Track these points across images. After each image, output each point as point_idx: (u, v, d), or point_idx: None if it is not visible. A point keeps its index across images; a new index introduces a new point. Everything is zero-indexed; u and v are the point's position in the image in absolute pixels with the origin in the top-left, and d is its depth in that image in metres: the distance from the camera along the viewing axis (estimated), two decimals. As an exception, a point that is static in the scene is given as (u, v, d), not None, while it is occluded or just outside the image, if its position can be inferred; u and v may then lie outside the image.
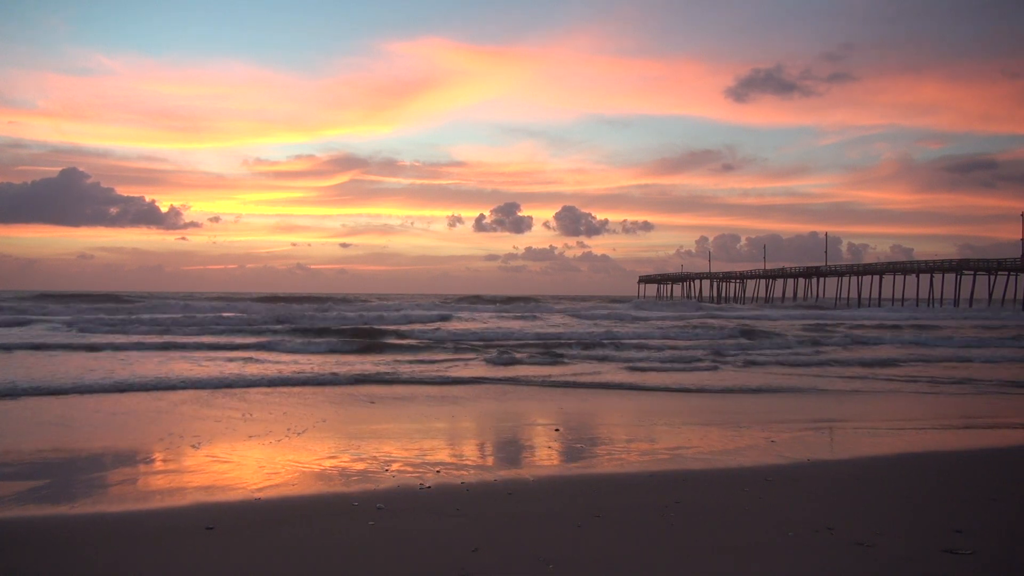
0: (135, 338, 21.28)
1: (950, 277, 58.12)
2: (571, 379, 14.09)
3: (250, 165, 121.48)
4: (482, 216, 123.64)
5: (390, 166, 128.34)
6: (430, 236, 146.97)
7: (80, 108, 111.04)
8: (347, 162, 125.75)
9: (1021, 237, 63.51)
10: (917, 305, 59.02)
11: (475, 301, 60.30)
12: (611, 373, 15.12)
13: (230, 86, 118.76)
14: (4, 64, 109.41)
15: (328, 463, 6.97)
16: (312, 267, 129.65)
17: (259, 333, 23.40)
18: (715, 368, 16.28)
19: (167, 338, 21.53)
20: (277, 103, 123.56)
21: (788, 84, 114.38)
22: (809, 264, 73.40)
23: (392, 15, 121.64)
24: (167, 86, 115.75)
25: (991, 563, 4.33)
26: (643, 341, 22.87)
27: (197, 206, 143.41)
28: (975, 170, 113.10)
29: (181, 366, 15.44)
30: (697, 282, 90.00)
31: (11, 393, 11.18)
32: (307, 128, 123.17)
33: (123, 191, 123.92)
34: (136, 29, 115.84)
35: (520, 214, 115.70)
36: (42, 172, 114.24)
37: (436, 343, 21.76)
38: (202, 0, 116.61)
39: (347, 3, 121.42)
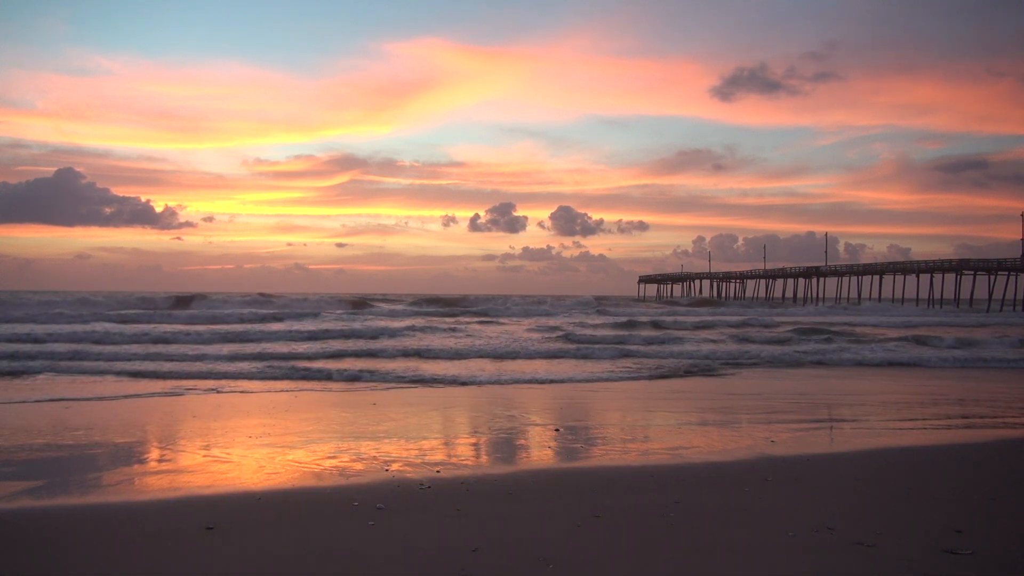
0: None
1: (950, 277, 58.12)
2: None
3: (250, 165, 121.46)
4: (477, 216, 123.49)
5: (389, 166, 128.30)
6: (429, 236, 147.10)
7: (79, 108, 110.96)
8: (346, 162, 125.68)
9: (1021, 237, 63.52)
10: (917, 305, 59.00)
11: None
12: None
13: (229, 86, 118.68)
14: (3, 64, 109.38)
15: (328, 463, 6.97)
16: (311, 267, 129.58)
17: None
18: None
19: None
20: (277, 103, 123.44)
21: (789, 85, 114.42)
22: (807, 264, 73.45)
23: (391, 15, 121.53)
24: (166, 86, 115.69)
25: (991, 563, 4.33)
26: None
27: (198, 206, 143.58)
28: (973, 170, 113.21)
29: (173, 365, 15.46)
30: (697, 282, 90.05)
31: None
32: (306, 128, 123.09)
33: (124, 192, 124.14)
34: (135, 30, 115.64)
35: (516, 214, 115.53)
36: (41, 172, 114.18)
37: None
38: (201, 0, 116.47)
39: (346, 4, 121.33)
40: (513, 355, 18.74)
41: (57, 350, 17.36)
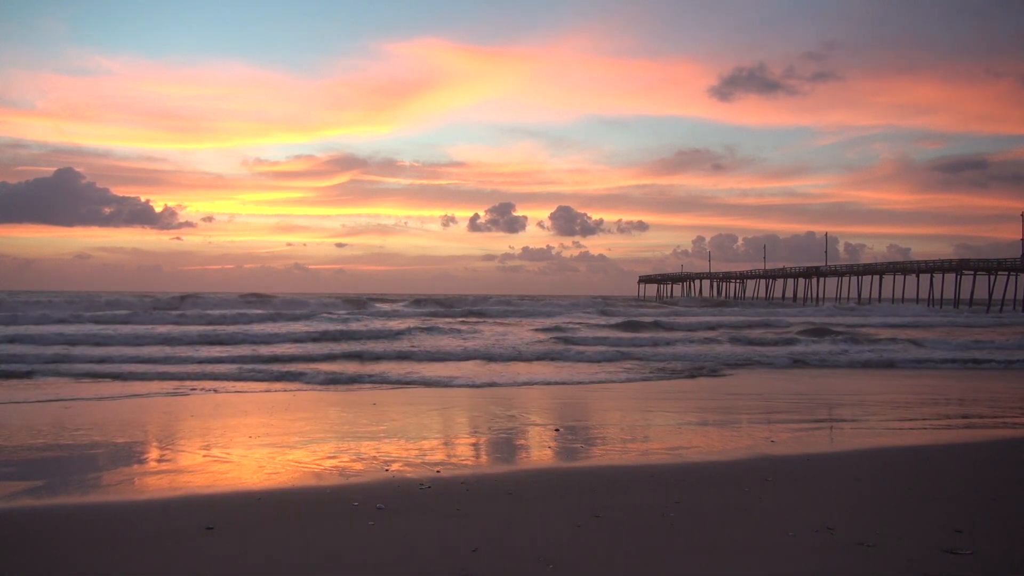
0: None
1: (950, 277, 58.09)
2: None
3: (250, 165, 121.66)
4: (476, 216, 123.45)
5: (389, 166, 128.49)
6: (429, 236, 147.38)
7: (79, 108, 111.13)
8: (346, 162, 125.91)
9: (1021, 237, 63.47)
10: (917, 303, 58.99)
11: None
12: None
13: (230, 86, 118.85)
14: (3, 64, 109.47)
15: (328, 463, 6.97)
16: (311, 267, 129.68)
17: None
18: None
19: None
20: (277, 103, 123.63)
21: (787, 85, 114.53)
22: (807, 264, 73.44)
23: (391, 16, 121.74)
24: (166, 86, 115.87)
25: (991, 563, 4.33)
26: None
27: (198, 206, 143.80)
28: (972, 170, 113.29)
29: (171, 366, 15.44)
30: (697, 282, 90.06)
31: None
32: (306, 128, 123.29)
33: (124, 192, 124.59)
34: (135, 29, 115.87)
35: (516, 214, 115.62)
36: (41, 172, 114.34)
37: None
38: (201, 0, 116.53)
39: (346, 4, 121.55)
40: (513, 356, 18.72)
41: (44, 352, 16.99)
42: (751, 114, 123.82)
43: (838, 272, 68.74)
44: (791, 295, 73.12)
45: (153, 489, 6.10)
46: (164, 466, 7.04)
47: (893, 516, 5.26)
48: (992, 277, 56.57)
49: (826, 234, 78.64)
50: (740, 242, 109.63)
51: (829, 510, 5.39)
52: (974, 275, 57.20)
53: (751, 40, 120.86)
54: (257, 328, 25.02)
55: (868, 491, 6.00)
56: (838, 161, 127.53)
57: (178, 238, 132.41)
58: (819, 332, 26.07)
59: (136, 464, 7.19)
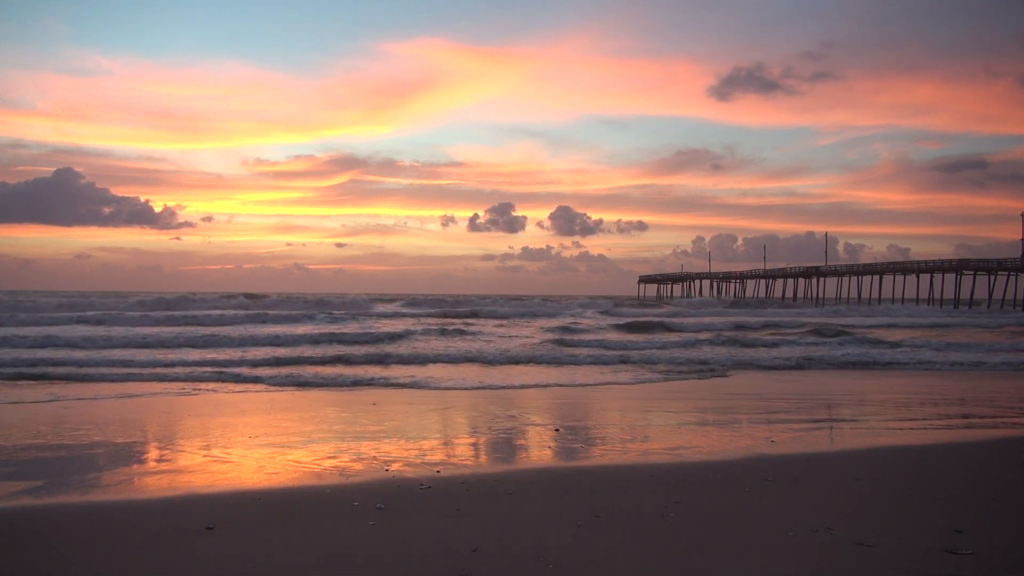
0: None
1: (950, 277, 58.05)
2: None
3: (250, 165, 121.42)
4: (476, 216, 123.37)
5: (389, 166, 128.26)
6: (429, 236, 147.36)
7: (79, 109, 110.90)
8: (346, 162, 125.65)
9: (1021, 237, 63.43)
10: (917, 304, 58.99)
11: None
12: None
13: (229, 86, 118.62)
14: (3, 64, 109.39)
15: (328, 463, 6.97)
16: (310, 267, 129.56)
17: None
18: None
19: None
20: (277, 103, 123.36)
21: (786, 85, 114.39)
22: (807, 264, 73.41)
23: (391, 16, 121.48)
24: (166, 87, 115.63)
25: (991, 563, 4.33)
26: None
27: (197, 206, 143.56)
28: (972, 170, 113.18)
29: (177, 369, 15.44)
30: (697, 282, 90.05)
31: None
32: (306, 128, 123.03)
33: (123, 192, 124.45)
34: (135, 29, 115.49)
35: (515, 214, 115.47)
36: (40, 172, 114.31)
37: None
38: (201, 0, 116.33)
39: (346, 4, 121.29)
40: (513, 356, 18.71)
41: (39, 355, 16.80)
42: (750, 114, 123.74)
43: (838, 272, 68.69)
44: (791, 295, 73.07)
45: (153, 489, 6.10)
46: (164, 466, 7.04)
47: (893, 516, 5.26)
48: (992, 277, 56.54)
49: (826, 234, 78.68)
50: (740, 242, 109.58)
51: (829, 510, 5.39)
52: (974, 275, 57.15)
53: (750, 40, 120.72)
54: (256, 329, 25.04)
55: (868, 491, 6.00)
56: (838, 161, 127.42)
57: (178, 238, 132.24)
58: (828, 334, 25.81)
59: (136, 464, 7.19)
